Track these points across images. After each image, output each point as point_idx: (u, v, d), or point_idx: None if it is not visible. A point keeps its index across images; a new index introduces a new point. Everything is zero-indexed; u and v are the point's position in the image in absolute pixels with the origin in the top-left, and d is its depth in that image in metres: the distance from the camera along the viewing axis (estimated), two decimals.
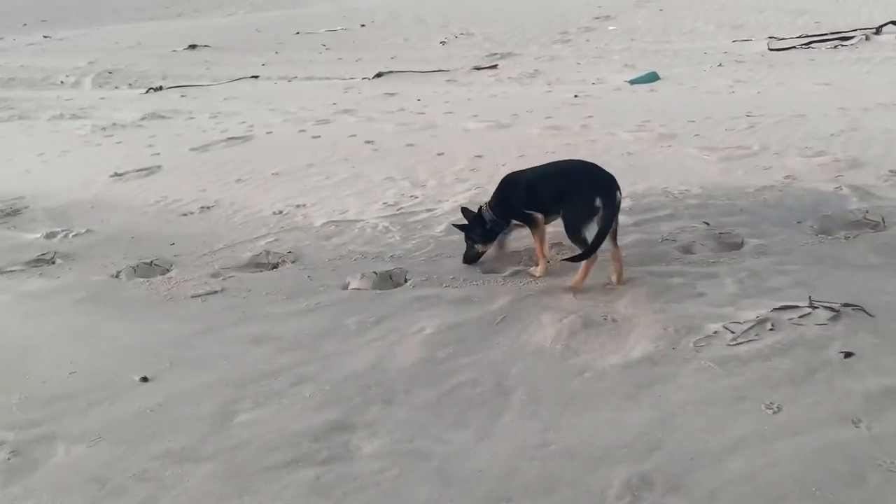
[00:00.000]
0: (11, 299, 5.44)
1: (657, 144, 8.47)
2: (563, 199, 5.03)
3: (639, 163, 7.77)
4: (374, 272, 5.49)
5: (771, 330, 4.21)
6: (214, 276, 5.62)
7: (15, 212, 7.57)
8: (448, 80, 14.90)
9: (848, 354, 3.93)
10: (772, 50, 15.43)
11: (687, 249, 5.50)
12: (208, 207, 7.27)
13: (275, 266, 5.84)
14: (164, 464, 3.47)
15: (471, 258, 5.55)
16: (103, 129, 11.67)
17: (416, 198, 7.16)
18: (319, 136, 10.09)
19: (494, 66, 16.30)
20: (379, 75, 15.84)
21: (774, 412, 3.52)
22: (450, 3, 28.10)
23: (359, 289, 5.34)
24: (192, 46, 22.34)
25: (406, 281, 5.37)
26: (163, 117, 12.44)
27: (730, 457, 3.24)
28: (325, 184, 7.79)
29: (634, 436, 3.44)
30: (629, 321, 4.48)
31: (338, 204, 7.11)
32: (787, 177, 6.94)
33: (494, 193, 5.53)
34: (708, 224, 5.89)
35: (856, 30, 16.22)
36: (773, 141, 8.23)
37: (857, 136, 8.14)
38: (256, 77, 16.88)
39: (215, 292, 5.34)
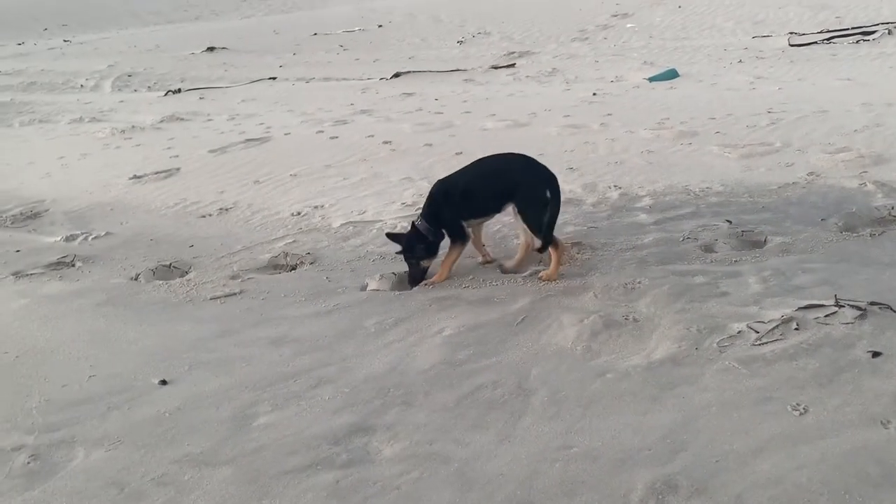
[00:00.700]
0: (31, 302, 5.44)
1: (677, 142, 8.39)
2: (511, 195, 5.15)
3: (659, 161, 7.70)
4: (393, 273, 5.46)
5: (796, 329, 4.13)
6: (233, 277, 5.61)
7: (35, 215, 7.61)
8: (466, 80, 14.87)
9: (876, 354, 3.85)
10: (792, 45, 15.29)
11: (709, 248, 5.43)
12: (227, 209, 7.27)
13: (293, 268, 5.83)
14: (182, 467, 3.45)
15: (418, 277, 5.33)
16: (122, 131, 11.72)
17: None
18: (337, 137, 10.08)
19: (512, 65, 16.25)
20: (396, 75, 15.83)
21: (801, 414, 3.45)
22: (467, 2, 28.05)
23: (377, 290, 5.31)
24: (211, 49, 22.45)
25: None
26: (181, 119, 12.48)
27: (756, 459, 3.18)
28: (343, 185, 7.77)
29: (658, 438, 3.38)
30: (651, 321, 4.41)
31: (356, 205, 7.09)
32: (811, 173, 6.85)
33: (429, 203, 5.35)
34: (730, 222, 5.82)
35: (877, 24, 16.05)
36: (796, 137, 8.13)
37: (881, 131, 8.03)
38: (274, 79, 16.93)
39: (234, 294, 5.32)
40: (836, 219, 5.73)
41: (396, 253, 5.38)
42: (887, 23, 16.01)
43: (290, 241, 6.28)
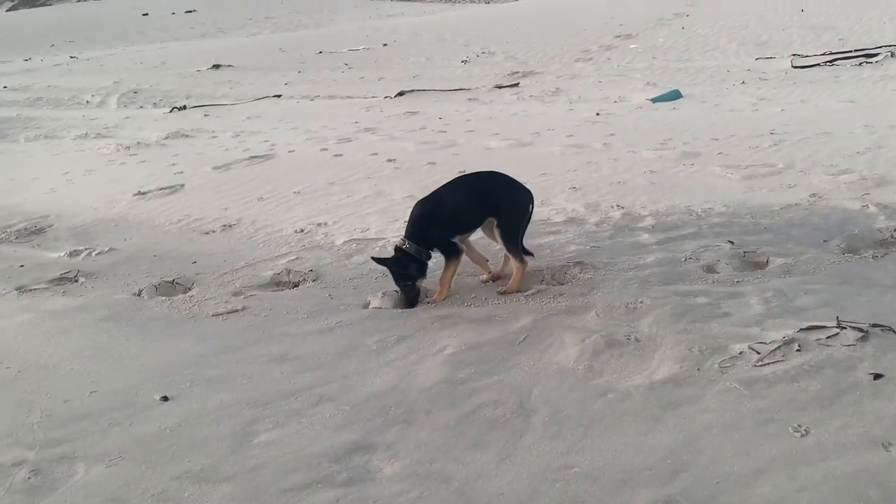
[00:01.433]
0: (35, 317, 5.46)
1: (680, 162, 8.42)
2: (494, 210, 5.36)
3: (661, 181, 7.72)
4: (396, 291, 5.46)
5: (798, 351, 4.13)
6: (236, 294, 5.63)
7: (39, 230, 7.64)
8: (470, 99, 14.94)
9: (877, 376, 3.84)
10: (795, 67, 15.36)
11: (711, 268, 5.43)
12: (230, 226, 7.29)
13: (296, 285, 5.84)
14: (183, 484, 3.45)
15: (414, 299, 5.30)
16: (128, 147, 11.78)
17: None
18: (341, 155, 10.12)
19: (516, 85, 16.33)
20: (401, 94, 15.91)
21: (802, 435, 3.45)
22: (471, 22, 28.22)
23: (380, 308, 5.31)
24: (216, 66, 22.59)
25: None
26: (186, 136, 12.54)
27: (757, 481, 3.17)
28: (347, 202, 7.80)
29: (659, 458, 3.38)
30: (653, 341, 4.41)
31: (359, 222, 7.11)
32: (813, 195, 6.86)
33: (416, 224, 5.41)
34: (732, 243, 5.82)
35: (881, 47, 16.12)
36: (798, 159, 8.15)
37: (883, 153, 8.05)
38: (279, 96, 17.01)
39: (236, 311, 5.33)
40: (839, 240, 5.74)
41: (391, 270, 5.35)
42: (890, 45, 16.08)
43: (293, 258, 6.30)
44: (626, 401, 3.86)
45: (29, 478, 3.58)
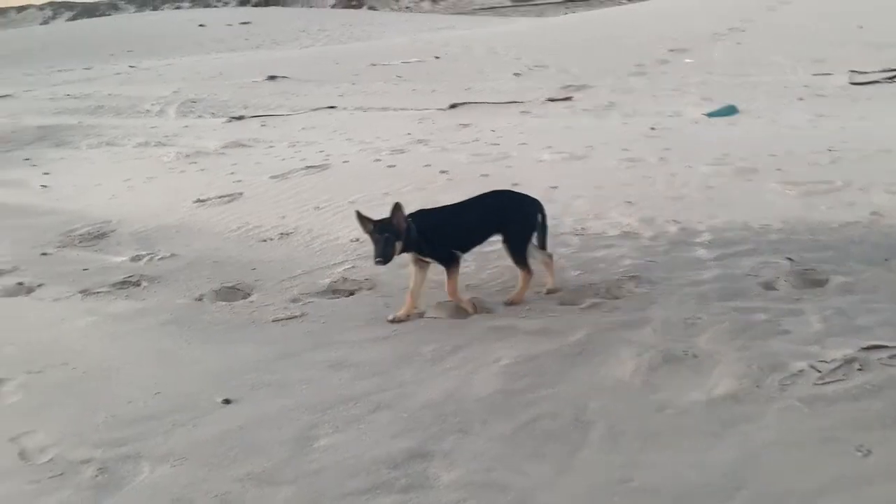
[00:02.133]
0: (99, 320, 5.60)
1: (737, 178, 8.35)
2: (499, 229, 5.50)
3: (718, 196, 7.66)
4: (450, 300, 5.51)
5: (859, 370, 4.08)
6: (294, 301, 5.72)
7: (102, 235, 7.83)
8: (522, 112, 14.96)
9: None
10: (854, 84, 15.11)
11: (769, 285, 5.39)
12: (287, 234, 7.41)
13: (352, 293, 5.91)
14: (245, 486, 3.52)
15: (388, 254, 5.10)
16: (187, 156, 12.02)
17: None
18: (395, 166, 10.20)
19: (569, 98, 16.30)
20: (453, 106, 15.98)
21: (864, 455, 3.41)
22: (524, 35, 28.27)
23: (435, 317, 5.36)
24: (272, 77, 22.91)
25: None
26: (244, 146, 12.75)
27: (818, 500, 3.14)
28: None
29: (718, 475, 3.37)
30: (711, 357, 4.39)
31: None
32: (873, 213, 6.76)
33: (427, 228, 5.32)
34: (791, 259, 5.77)
35: None
36: (858, 176, 8.03)
37: None
38: (333, 107, 17.20)
39: (295, 317, 5.42)
40: None
41: (374, 226, 5.15)
42: None
43: (349, 266, 6.38)
44: (684, 416, 3.85)
45: (96, 476, 3.68)
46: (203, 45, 42.25)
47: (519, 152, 10.66)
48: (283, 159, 11.21)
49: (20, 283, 6.41)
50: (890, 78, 15.22)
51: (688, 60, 20.00)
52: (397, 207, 5.13)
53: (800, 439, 3.57)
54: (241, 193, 9.15)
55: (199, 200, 8.90)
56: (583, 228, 6.93)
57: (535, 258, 5.59)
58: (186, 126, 15.68)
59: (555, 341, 4.79)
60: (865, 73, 15.95)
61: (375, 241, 5.11)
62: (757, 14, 24.79)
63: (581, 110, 14.75)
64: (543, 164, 9.86)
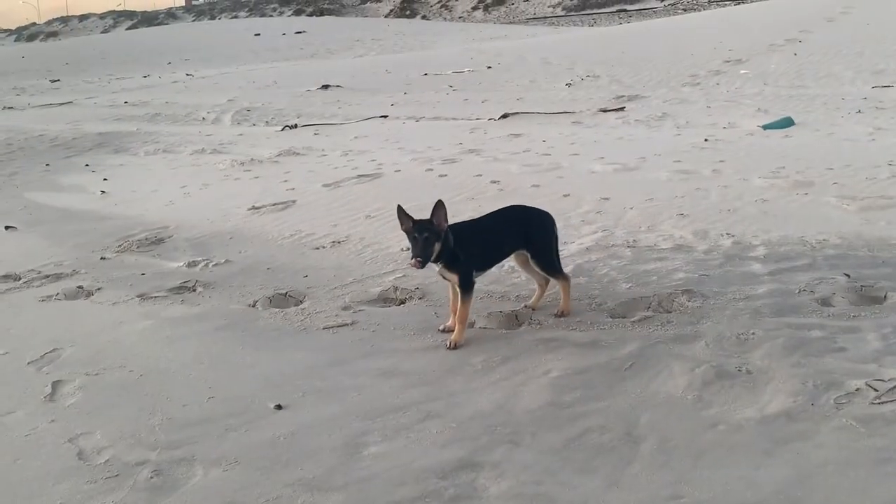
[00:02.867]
0: (156, 324, 5.72)
1: (793, 192, 8.22)
2: (523, 244, 5.40)
3: (773, 210, 7.55)
4: (500, 311, 5.51)
5: None
6: (345, 308, 5.77)
7: (159, 241, 7.99)
8: (574, 122, 14.92)
9: None
10: None
11: (826, 302, 5.29)
12: (339, 242, 7.48)
13: (402, 301, 5.95)
14: (296, 491, 3.56)
15: (427, 255, 4.91)
16: (242, 163, 12.22)
17: None
18: (446, 175, 10.25)
19: (621, 109, 16.22)
20: (504, 116, 16.00)
21: None
22: (576, 45, 28.18)
23: (485, 327, 5.37)
24: (326, 86, 23.20)
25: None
26: (297, 154, 12.92)
27: None
28: (451, 222, 7.87)
29: (771, 493, 3.31)
30: (765, 374, 4.33)
31: None
32: None
33: (460, 241, 5.12)
34: (848, 276, 5.66)
35: None
36: None
37: None
38: (385, 117, 17.34)
39: (346, 325, 5.47)
40: None
41: (414, 224, 4.99)
42: None
43: (400, 275, 6.42)
44: (737, 433, 3.80)
45: (151, 477, 3.75)
46: (258, 53, 42.93)
47: (570, 163, 10.63)
48: (336, 168, 11.33)
49: (80, 287, 6.58)
50: None
51: (743, 71, 19.76)
52: (440, 205, 4.97)
53: (855, 459, 3.50)
54: (294, 201, 9.27)
55: (253, 208, 9.04)
56: (634, 241, 6.88)
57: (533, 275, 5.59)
58: (241, 134, 15.95)
59: (605, 354, 4.77)
60: None
61: (414, 241, 4.94)
62: (815, 24, 24.40)
63: (633, 121, 14.66)
64: (595, 175, 9.81)
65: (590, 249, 6.74)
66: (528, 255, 5.40)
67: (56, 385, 4.74)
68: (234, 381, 4.70)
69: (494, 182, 9.59)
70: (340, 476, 3.66)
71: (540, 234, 5.45)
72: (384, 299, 6.01)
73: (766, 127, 12.83)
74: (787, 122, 13.00)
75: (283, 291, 6.17)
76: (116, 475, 3.74)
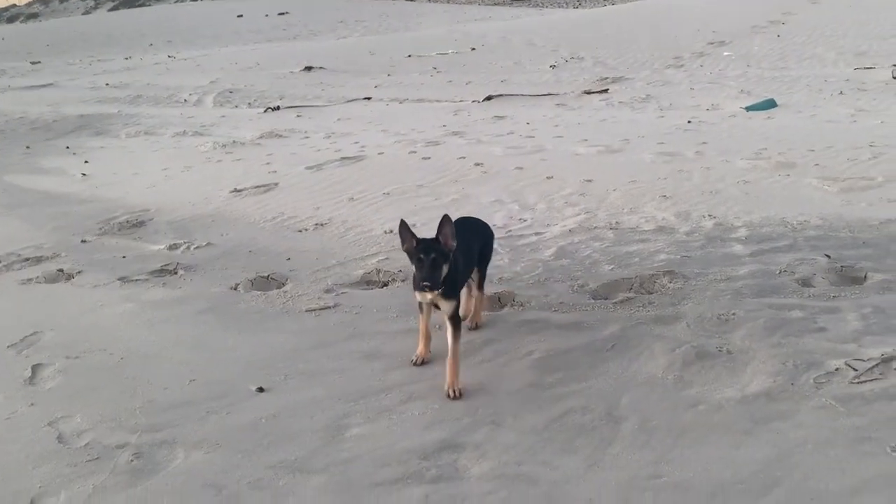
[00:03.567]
0: (137, 307, 5.68)
1: (775, 173, 8.25)
2: (481, 258, 4.93)
3: (755, 191, 7.58)
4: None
5: None
6: (328, 291, 5.75)
7: (140, 223, 7.93)
8: (558, 104, 14.90)
9: None
10: None
11: (806, 282, 5.32)
12: (322, 224, 7.45)
13: (385, 284, 5.94)
14: (278, 473, 3.56)
15: (436, 278, 4.16)
16: (223, 146, 12.13)
17: (525, 221, 7.17)
18: (429, 158, 10.22)
19: (605, 91, 16.21)
20: (489, 98, 15.96)
21: None
22: (561, 27, 28.11)
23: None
24: (308, 68, 23.05)
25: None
26: (280, 136, 12.84)
27: (852, 500, 3.11)
28: (435, 205, 7.88)
29: (751, 472, 3.34)
30: (745, 354, 4.36)
31: None
32: None
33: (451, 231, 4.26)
34: (829, 257, 5.69)
35: None
36: None
37: None
38: (369, 98, 17.26)
39: (328, 307, 5.46)
40: None
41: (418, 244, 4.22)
42: None
43: (383, 258, 6.40)
44: (717, 413, 3.83)
45: (132, 460, 3.73)
46: (241, 35, 42.58)
47: (554, 145, 10.63)
48: (319, 150, 11.27)
49: (60, 270, 6.52)
50: None
51: (726, 53, 19.78)
52: (446, 221, 4.23)
53: (834, 438, 3.53)
54: (276, 184, 9.22)
55: (235, 190, 8.98)
56: (617, 222, 6.89)
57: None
58: (223, 116, 15.83)
59: (587, 336, 4.78)
60: None
61: (419, 263, 4.17)
62: (798, 6, 24.45)
63: (617, 103, 14.66)
64: (578, 157, 9.82)
65: (573, 231, 6.74)
66: (477, 269, 4.92)
67: (36, 368, 4.71)
68: (216, 364, 4.68)
69: (478, 164, 9.58)
70: (322, 458, 3.66)
71: (491, 246, 5.12)
72: (367, 282, 6.00)
73: (748, 108, 12.86)
74: (769, 104, 13.04)
75: (265, 274, 6.14)
76: (97, 458, 3.73)
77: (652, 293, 5.39)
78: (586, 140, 10.75)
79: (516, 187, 8.38)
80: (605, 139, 10.69)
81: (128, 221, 8.02)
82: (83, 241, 7.38)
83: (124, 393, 4.39)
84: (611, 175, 8.60)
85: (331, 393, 4.25)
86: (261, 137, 12.75)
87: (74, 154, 12.43)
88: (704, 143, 10.03)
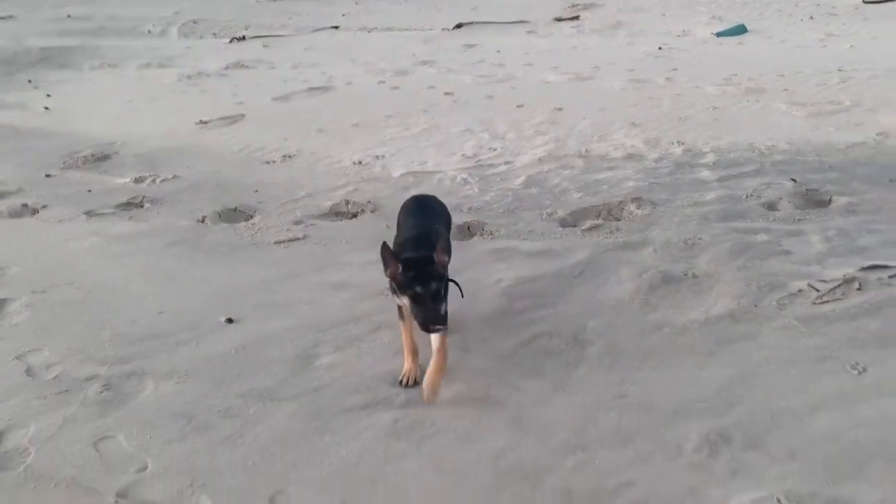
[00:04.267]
0: (102, 241, 5.61)
1: (744, 98, 8.25)
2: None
3: (725, 117, 7.59)
4: (453, 222, 5.49)
5: (858, 290, 4.10)
6: (296, 223, 5.72)
7: (105, 157, 7.79)
8: (528, 32, 14.71)
9: None
10: (867, 3, 14.78)
11: (772, 206, 5.37)
12: (290, 156, 7.37)
13: (354, 215, 5.91)
14: (248, 402, 3.58)
15: (442, 314, 3.38)
16: (189, 77, 11.88)
17: (495, 150, 7.14)
18: (398, 88, 10.10)
19: (576, 18, 16.01)
20: (458, 26, 15.71)
21: (860, 373, 3.45)
22: None
23: None
24: None
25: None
26: (246, 67, 12.59)
27: (812, 416, 3.19)
28: (404, 135, 7.81)
29: (713, 392, 3.41)
30: (710, 277, 4.41)
31: (416, 155, 7.13)
32: (881, 134, 6.70)
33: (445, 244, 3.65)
34: (795, 181, 5.74)
35: None
36: (867, 97, 7.93)
37: None
38: (337, 28, 16.93)
39: (297, 239, 5.43)
40: None
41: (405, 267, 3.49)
42: None
43: (352, 189, 6.36)
44: (682, 335, 3.89)
45: (101, 392, 3.73)
46: None
47: (524, 73, 10.53)
48: (286, 81, 11.08)
49: (25, 205, 6.42)
50: None
51: None
52: (442, 236, 3.59)
53: (795, 358, 3.61)
54: (243, 115, 9.07)
55: (201, 122, 8.83)
56: (587, 150, 6.88)
57: None
58: (188, 47, 15.46)
59: (555, 263, 4.81)
60: None
61: (418, 300, 3.34)
62: None
63: (588, 30, 14.50)
64: (549, 85, 9.74)
65: (542, 160, 6.73)
66: None
67: (2, 303, 4.66)
68: (184, 297, 4.66)
69: (448, 94, 9.48)
70: (292, 386, 3.69)
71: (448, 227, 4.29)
72: (336, 213, 5.97)
73: (719, 34, 12.79)
74: (740, 30, 12.97)
75: (233, 206, 6.09)
76: (66, 390, 3.73)
77: (620, 220, 5.43)
78: (557, 68, 10.65)
79: (486, 116, 8.31)
80: (576, 67, 10.60)
81: (92, 155, 7.87)
82: (47, 176, 7.25)
83: (92, 326, 4.37)
84: (581, 103, 8.56)
85: (300, 323, 4.26)
86: (226, 68, 12.49)
87: (36, 88, 12.11)
88: (675, 69, 9.99)
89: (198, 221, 5.88)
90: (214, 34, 17.29)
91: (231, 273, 4.95)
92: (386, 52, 13.12)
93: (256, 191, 6.43)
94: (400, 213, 4.29)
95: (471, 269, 4.82)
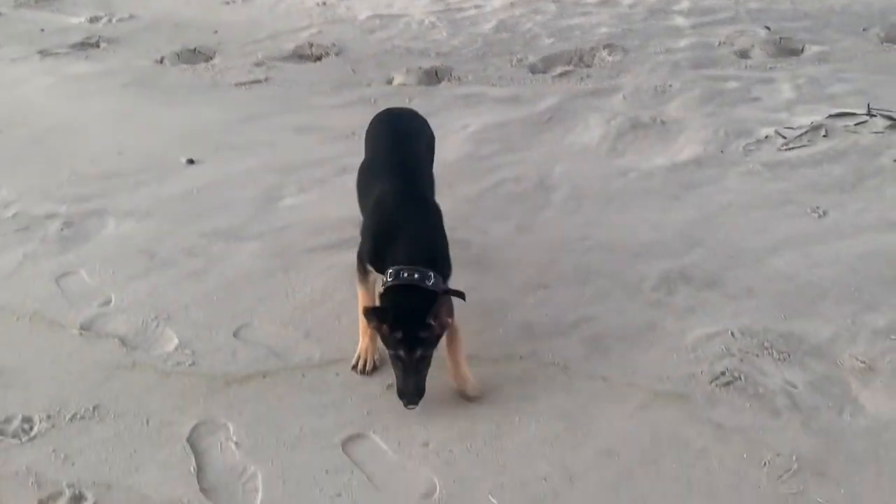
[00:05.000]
0: (58, 81, 5.44)
1: None
2: None
3: None
4: (420, 67, 5.37)
5: (824, 136, 4.11)
6: (258, 65, 5.56)
7: None
8: None
9: None
10: None
11: (744, 54, 5.31)
12: None
13: (318, 58, 5.75)
14: (211, 241, 3.55)
15: (421, 386, 2.55)
16: None
17: None
18: None
19: None
20: None
21: (820, 216, 3.49)
22: None
23: (404, 84, 5.25)
24: None
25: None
26: None
27: (770, 257, 3.23)
28: None
29: (675, 234, 3.44)
30: (679, 124, 4.38)
31: None
32: None
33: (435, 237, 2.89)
34: (768, 28, 5.64)
35: None
36: None
37: None
38: None
39: (259, 81, 5.29)
40: (879, 29, 5.57)
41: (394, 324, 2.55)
42: None
43: (316, 31, 6.16)
44: (647, 180, 3.89)
45: (62, 229, 3.68)
46: None
47: None
48: None
49: None
50: None
51: None
52: (444, 300, 2.53)
53: (758, 201, 3.64)
54: None
55: None
56: None
57: None
58: None
59: (524, 109, 4.75)
60: None
61: (400, 365, 2.54)
62: None
63: None
64: None
65: (514, 4, 6.54)
66: None
67: None
68: (144, 137, 4.55)
69: None
70: (256, 226, 3.65)
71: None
72: (299, 55, 5.80)
73: None
74: None
75: (192, 47, 5.88)
76: (26, 228, 3.66)
77: (591, 66, 5.34)
78: None
79: None
80: None
81: None
82: None
83: (50, 166, 4.27)
84: None
85: (264, 164, 4.20)
86: None
87: None
88: None
89: (156, 62, 5.70)
90: None
91: (191, 114, 4.83)
92: None
93: (216, 31, 6.20)
94: (368, 133, 3.37)
95: (438, 114, 4.72)
